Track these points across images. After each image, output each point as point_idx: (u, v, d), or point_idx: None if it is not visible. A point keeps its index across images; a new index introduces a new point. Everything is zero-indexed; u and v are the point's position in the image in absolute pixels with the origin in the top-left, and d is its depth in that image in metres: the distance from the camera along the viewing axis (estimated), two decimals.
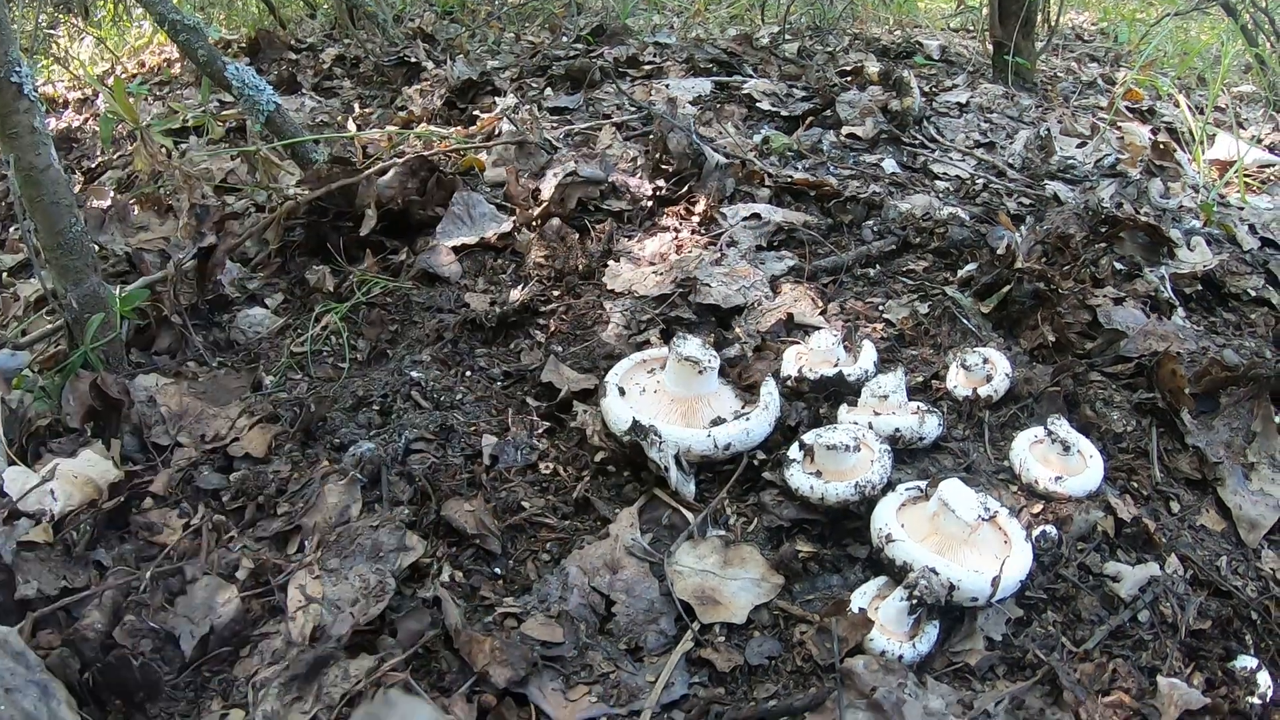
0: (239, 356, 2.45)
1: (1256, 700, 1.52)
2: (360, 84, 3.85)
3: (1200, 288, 2.23)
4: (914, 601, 1.62)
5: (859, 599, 1.73)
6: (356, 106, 3.69)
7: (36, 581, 1.69)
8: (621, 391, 2.16)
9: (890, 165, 3.10)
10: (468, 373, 2.39)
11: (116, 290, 2.33)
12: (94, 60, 3.97)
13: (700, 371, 2.10)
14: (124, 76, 3.88)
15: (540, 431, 2.20)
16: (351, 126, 3.40)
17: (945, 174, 3.00)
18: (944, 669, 1.64)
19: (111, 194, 3.17)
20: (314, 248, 2.75)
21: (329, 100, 3.71)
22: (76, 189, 3.31)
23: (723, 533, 1.92)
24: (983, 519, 1.73)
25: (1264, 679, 1.55)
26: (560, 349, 2.46)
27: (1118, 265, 2.20)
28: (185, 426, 2.14)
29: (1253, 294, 2.18)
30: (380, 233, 2.81)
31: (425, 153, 2.95)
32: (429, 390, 2.30)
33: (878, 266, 2.66)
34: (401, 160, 2.86)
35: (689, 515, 1.96)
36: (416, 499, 1.96)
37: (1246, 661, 1.59)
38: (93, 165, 3.44)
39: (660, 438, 1.99)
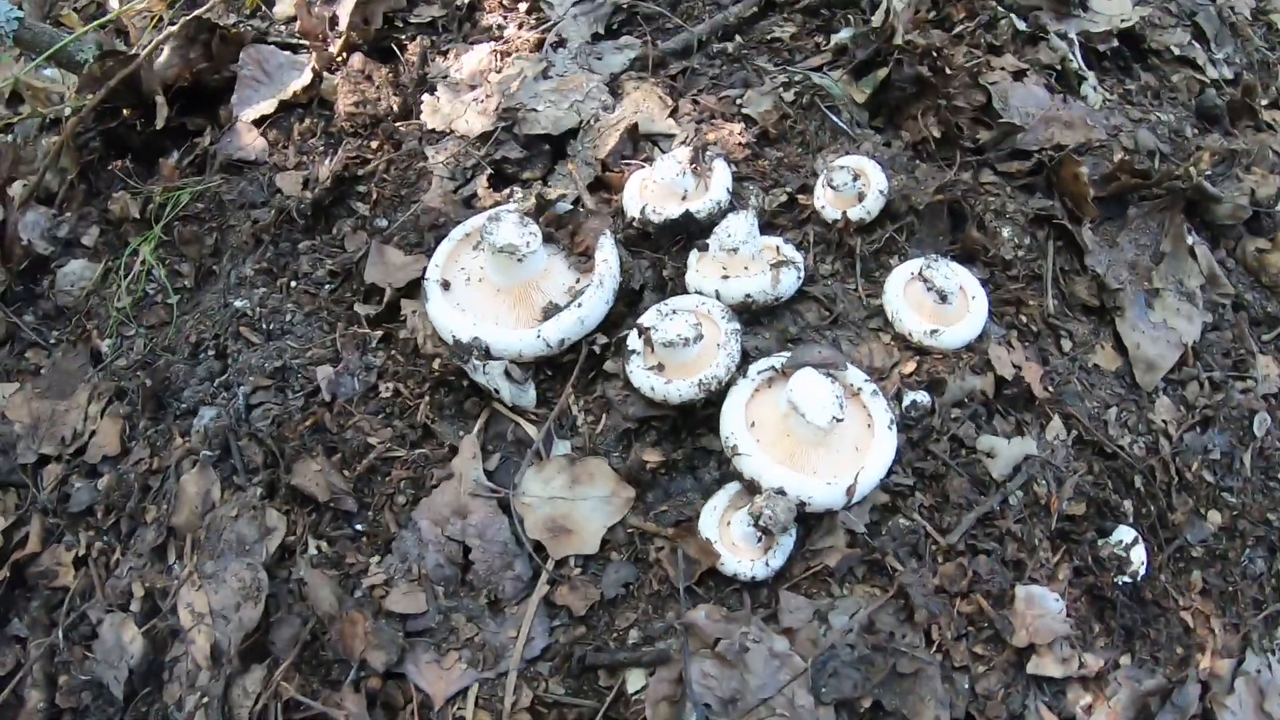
0: (70, 324, 2.11)
1: (1127, 579, 1.30)
2: None
3: (1117, 43, 1.62)
4: (761, 529, 1.38)
5: (709, 514, 1.49)
6: None
7: None
8: (446, 285, 1.76)
9: None
10: (293, 282, 1.98)
11: None
12: None
13: (520, 259, 1.67)
14: None
15: (374, 344, 1.85)
16: (114, 1, 2.60)
17: None
18: (801, 574, 1.44)
19: None
20: (117, 156, 2.23)
21: None
22: None
23: (568, 449, 1.64)
24: (837, 420, 1.41)
25: (1138, 555, 1.30)
26: (385, 221, 2.01)
27: (1020, 25, 1.59)
28: (43, 435, 1.94)
29: (1176, 51, 1.58)
30: (180, 114, 2.24)
31: (200, 11, 2.26)
32: (257, 320, 1.95)
33: (737, 38, 2.02)
34: (176, 30, 2.20)
35: (531, 430, 1.67)
36: (269, 461, 1.74)
37: (1123, 534, 1.33)
38: None
39: (484, 358, 1.63)
